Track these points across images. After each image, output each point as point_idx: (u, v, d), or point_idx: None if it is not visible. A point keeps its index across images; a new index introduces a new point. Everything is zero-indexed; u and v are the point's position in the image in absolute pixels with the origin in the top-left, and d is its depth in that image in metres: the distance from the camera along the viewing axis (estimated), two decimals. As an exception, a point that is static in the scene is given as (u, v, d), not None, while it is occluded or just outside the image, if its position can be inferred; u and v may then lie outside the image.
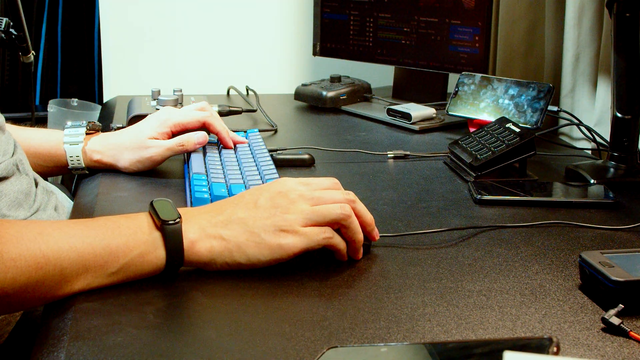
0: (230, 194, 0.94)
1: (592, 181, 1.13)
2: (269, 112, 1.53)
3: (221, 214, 0.78)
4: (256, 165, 1.06)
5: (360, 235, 0.81)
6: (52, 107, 1.80)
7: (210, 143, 1.15)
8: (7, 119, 1.10)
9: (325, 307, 0.71)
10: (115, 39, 1.88)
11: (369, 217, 0.83)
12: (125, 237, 0.73)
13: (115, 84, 1.89)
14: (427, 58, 1.63)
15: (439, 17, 1.59)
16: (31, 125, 1.22)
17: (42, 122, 1.83)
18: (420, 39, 1.63)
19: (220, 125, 1.13)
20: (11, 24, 1.42)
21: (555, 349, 0.50)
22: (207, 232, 0.76)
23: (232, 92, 1.78)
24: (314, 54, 1.82)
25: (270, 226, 0.76)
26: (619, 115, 1.15)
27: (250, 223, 0.76)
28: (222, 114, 1.43)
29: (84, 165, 1.11)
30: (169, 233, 0.74)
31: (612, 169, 1.17)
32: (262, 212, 0.77)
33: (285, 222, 0.76)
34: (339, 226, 0.79)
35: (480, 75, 1.41)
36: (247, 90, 1.76)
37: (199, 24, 1.91)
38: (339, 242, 0.79)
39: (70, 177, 1.36)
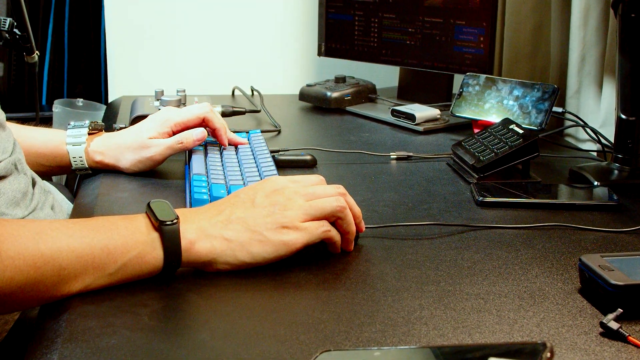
0: (229, 195, 0.94)
1: (595, 183, 1.12)
2: (273, 112, 1.53)
3: (220, 214, 0.78)
4: (257, 166, 1.06)
5: (353, 227, 0.83)
6: (57, 107, 1.81)
7: (211, 143, 1.15)
8: (13, 119, 1.10)
9: (321, 310, 0.71)
10: (121, 40, 1.88)
11: (357, 209, 0.85)
12: (124, 237, 0.73)
13: (120, 84, 1.89)
14: (431, 59, 1.62)
15: (444, 17, 1.58)
16: (35, 125, 1.23)
17: (47, 122, 1.84)
18: (425, 40, 1.62)
19: (220, 122, 1.14)
20: (15, 24, 1.43)
21: (549, 355, 0.49)
22: (207, 233, 0.76)
23: (236, 92, 1.78)
24: (319, 54, 1.81)
25: (272, 223, 0.77)
26: (623, 116, 1.14)
27: (250, 222, 0.77)
28: (225, 114, 1.43)
29: (87, 166, 1.12)
30: (166, 233, 0.74)
31: (616, 171, 1.16)
32: (261, 210, 0.78)
33: (286, 219, 0.78)
34: (335, 219, 0.82)
35: (485, 76, 1.41)
36: (252, 91, 1.76)
37: (204, 25, 1.91)
38: (335, 234, 0.82)
39: (74, 177, 1.36)
